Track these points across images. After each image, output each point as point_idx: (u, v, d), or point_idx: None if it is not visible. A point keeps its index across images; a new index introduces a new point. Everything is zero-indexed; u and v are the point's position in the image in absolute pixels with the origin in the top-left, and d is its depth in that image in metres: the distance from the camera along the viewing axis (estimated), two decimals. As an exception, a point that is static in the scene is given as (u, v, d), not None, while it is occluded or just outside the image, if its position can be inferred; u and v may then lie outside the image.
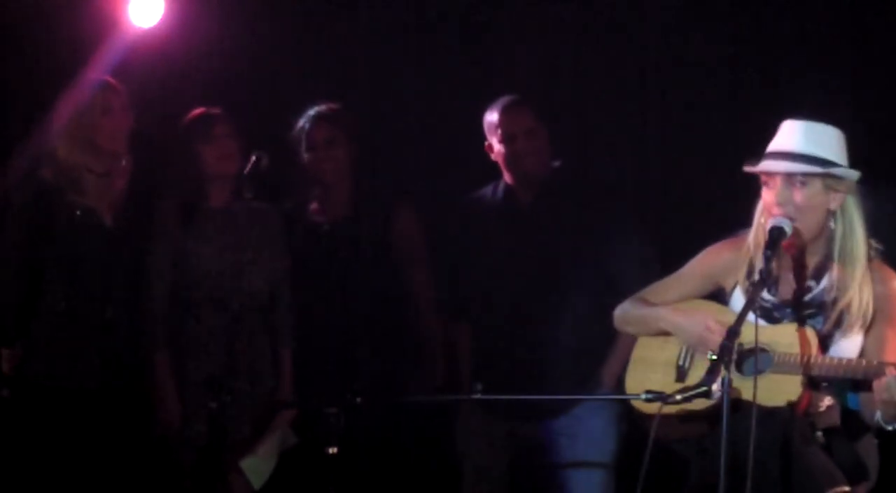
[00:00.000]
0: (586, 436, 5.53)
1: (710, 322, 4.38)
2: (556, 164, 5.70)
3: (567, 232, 5.58)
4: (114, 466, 5.60)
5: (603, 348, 5.46)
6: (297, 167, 5.95)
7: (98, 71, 5.79)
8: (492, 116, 5.64)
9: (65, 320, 5.58)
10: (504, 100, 5.66)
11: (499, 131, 5.61)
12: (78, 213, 5.59)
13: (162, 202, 5.82)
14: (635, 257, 5.45)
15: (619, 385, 5.19)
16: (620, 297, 4.70)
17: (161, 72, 6.28)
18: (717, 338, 4.28)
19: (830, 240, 4.39)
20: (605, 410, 5.53)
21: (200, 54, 6.35)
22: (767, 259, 4.23)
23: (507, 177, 5.68)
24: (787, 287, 4.41)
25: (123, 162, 5.71)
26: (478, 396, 4.83)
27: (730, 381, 3.98)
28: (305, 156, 5.91)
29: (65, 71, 5.85)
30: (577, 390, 5.52)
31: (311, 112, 5.92)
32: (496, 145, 5.64)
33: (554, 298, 5.56)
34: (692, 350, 4.45)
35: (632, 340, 5.08)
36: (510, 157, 5.61)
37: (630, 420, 4.66)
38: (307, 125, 5.90)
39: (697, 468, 4.38)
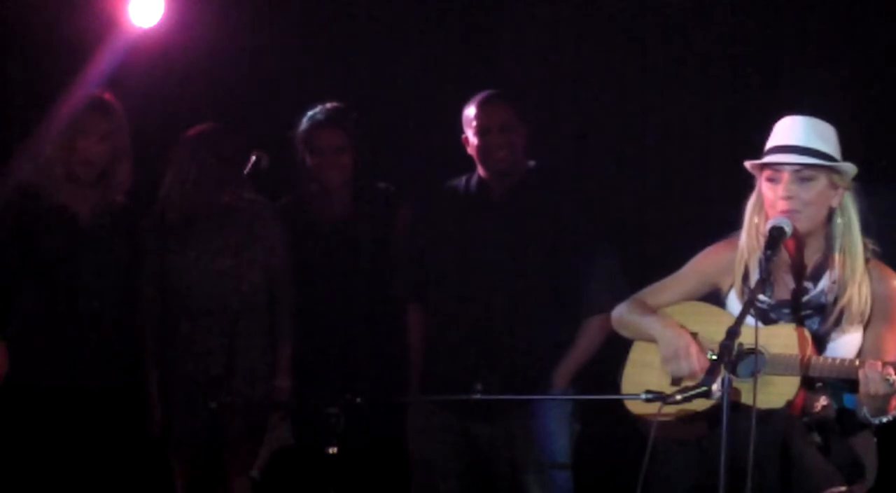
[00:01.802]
0: (539, 435, 5.50)
1: (692, 348, 4.38)
2: (532, 164, 5.69)
3: (533, 232, 5.56)
4: (92, 464, 5.60)
5: (562, 348, 5.47)
6: (298, 166, 5.93)
7: (99, 81, 5.79)
8: (469, 109, 5.65)
9: (37, 318, 5.59)
10: (482, 94, 5.66)
11: (474, 124, 5.61)
12: (49, 213, 5.60)
13: (159, 202, 5.83)
14: (597, 265, 5.45)
15: (582, 385, 5.23)
16: (578, 300, 4.70)
17: (161, 72, 6.29)
18: (687, 365, 4.31)
19: (830, 238, 4.39)
20: (557, 409, 5.52)
21: (200, 55, 6.35)
22: (767, 259, 4.23)
23: (480, 170, 5.68)
24: (783, 288, 4.41)
25: (117, 178, 5.70)
26: (478, 396, 4.82)
27: (730, 381, 3.98)
28: (309, 159, 5.89)
29: (65, 71, 5.85)
30: (538, 388, 5.50)
31: (319, 116, 5.89)
32: (471, 138, 5.64)
33: (514, 294, 5.55)
34: (665, 362, 4.44)
35: (589, 343, 5.13)
36: (482, 150, 5.61)
37: (609, 420, 4.65)
38: (313, 129, 5.87)
39: (695, 468, 4.38)
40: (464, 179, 5.74)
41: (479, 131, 5.59)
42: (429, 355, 5.71)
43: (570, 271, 5.50)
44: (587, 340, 5.47)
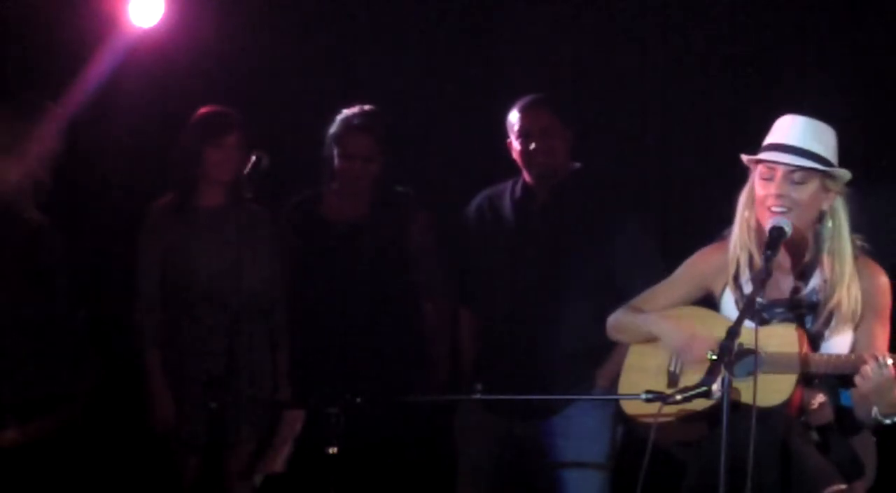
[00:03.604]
0: (579, 436, 5.54)
1: (695, 330, 4.38)
2: (577, 166, 5.71)
3: (577, 234, 5.59)
4: (95, 466, 5.59)
5: (604, 350, 5.47)
6: (322, 162, 5.93)
7: (91, 80, 5.78)
8: (512, 115, 5.69)
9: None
10: (525, 99, 5.70)
11: (516, 129, 5.65)
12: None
13: (156, 200, 5.84)
14: (642, 267, 5.44)
15: (615, 388, 5.22)
16: (621, 302, 4.72)
17: (161, 72, 6.28)
18: (701, 345, 4.32)
19: (819, 240, 4.39)
20: (599, 410, 5.54)
21: (201, 54, 6.35)
22: (767, 259, 4.22)
23: (525, 175, 5.71)
24: (775, 288, 4.40)
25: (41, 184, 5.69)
26: (478, 396, 4.83)
27: (730, 381, 3.98)
28: (338, 161, 5.89)
29: (65, 71, 5.85)
30: (574, 391, 5.52)
31: (355, 120, 5.89)
32: (514, 143, 5.67)
33: (557, 298, 5.57)
34: (678, 356, 4.45)
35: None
36: (524, 154, 5.64)
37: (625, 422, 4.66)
38: (347, 133, 5.88)
39: (696, 469, 4.38)
40: (510, 183, 5.77)
41: (521, 136, 5.63)
42: (476, 357, 5.78)
43: (609, 274, 5.51)
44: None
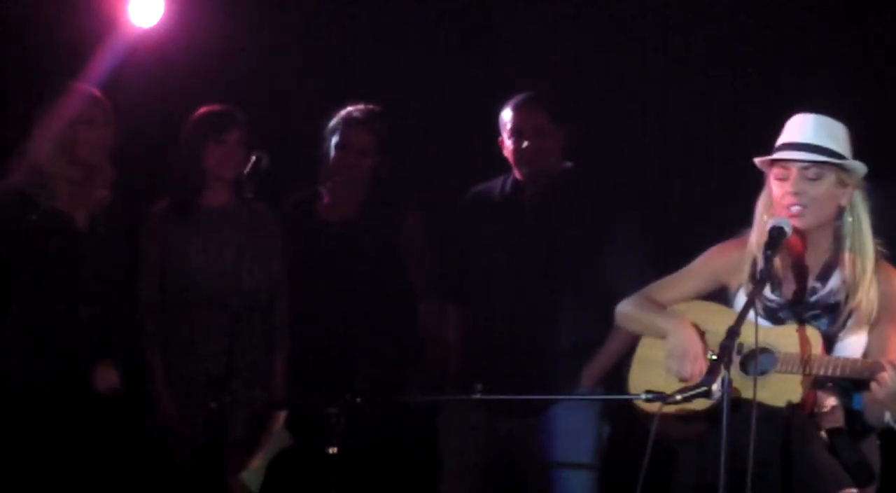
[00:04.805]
0: (562, 434, 5.53)
1: (701, 358, 4.37)
2: (568, 165, 5.71)
3: (565, 233, 5.59)
4: (90, 468, 5.59)
5: (595, 348, 5.48)
6: (319, 157, 5.94)
7: (99, 81, 5.78)
8: (505, 112, 5.68)
9: (33, 321, 5.57)
10: (518, 97, 5.70)
11: (508, 127, 5.64)
12: (44, 216, 5.58)
13: (156, 201, 5.84)
14: (631, 267, 5.44)
15: (610, 385, 5.22)
16: (611, 300, 4.72)
17: (161, 72, 6.29)
18: (690, 369, 4.33)
19: (839, 237, 4.39)
20: (585, 409, 5.54)
21: (200, 54, 6.35)
22: (767, 259, 4.23)
23: (515, 173, 5.71)
24: (792, 287, 4.40)
25: (105, 173, 5.69)
26: (478, 396, 4.82)
27: (730, 381, 3.98)
28: (333, 153, 5.91)
29: (65, 71, 5.85)
30: (564, 390, 5.52)
31: (355, 114, 5.90)
32: (506, 140, 5.67)
33: (547, 296, 5.57)
34: (668, 357, 4.45)
35: (620, 345, 5.09)
36: (516, 153, 5.64)
37: (629, 419, 4.65)
38: (346, 125, 5.89)
39: (696, 468, 4.38)
40: (500, 180, 5.77)
41: (513, 134, 5.63)
42: (465, 355, 5.77)
43: (600, 272, 5.50)
44: (618, 341, 5.41)
